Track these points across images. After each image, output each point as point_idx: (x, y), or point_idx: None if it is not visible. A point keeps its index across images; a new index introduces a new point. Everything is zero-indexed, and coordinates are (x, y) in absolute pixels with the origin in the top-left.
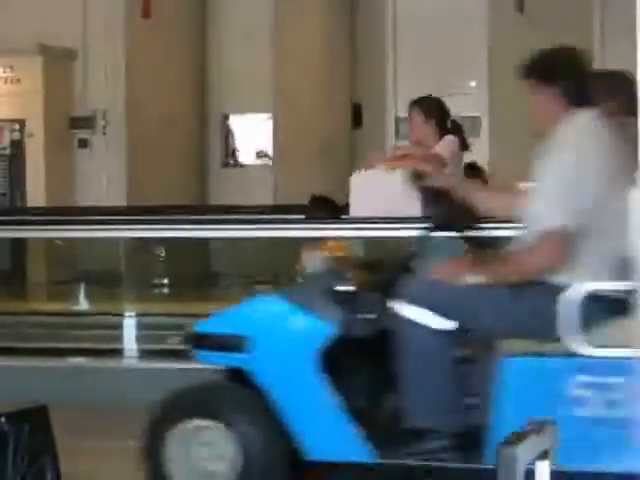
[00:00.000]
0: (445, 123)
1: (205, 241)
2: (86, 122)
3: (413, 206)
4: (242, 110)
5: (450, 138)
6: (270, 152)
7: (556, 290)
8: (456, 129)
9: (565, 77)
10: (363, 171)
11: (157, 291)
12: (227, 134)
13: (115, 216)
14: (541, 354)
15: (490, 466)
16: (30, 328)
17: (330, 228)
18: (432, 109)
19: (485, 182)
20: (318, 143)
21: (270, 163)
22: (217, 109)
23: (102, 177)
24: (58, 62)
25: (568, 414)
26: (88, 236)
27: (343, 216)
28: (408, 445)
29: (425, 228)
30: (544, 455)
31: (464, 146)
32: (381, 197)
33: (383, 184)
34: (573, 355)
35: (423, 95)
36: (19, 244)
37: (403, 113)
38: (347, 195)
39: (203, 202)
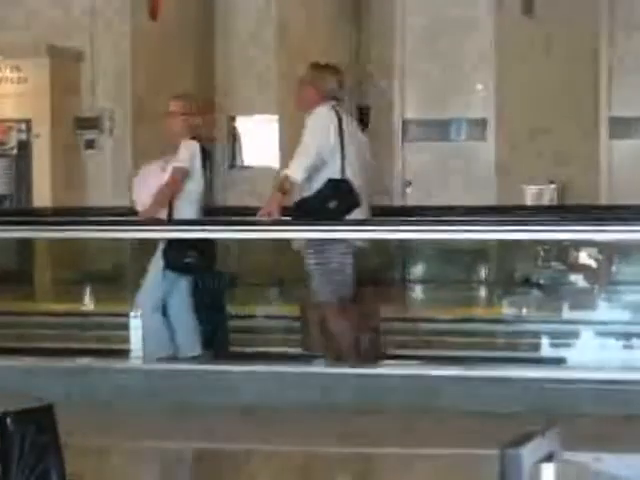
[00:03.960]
0: None
1: None
2: (93, 123)
3: None
4: (249, 112)
5: None
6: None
7: None
8: None
9: None
10: None
11: None
12: (234, 135)
13: (121, 217)
14: None
15: None
16: None
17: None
18: None
19: None
20: None
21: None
22: (224, 111)
23: (109, 178)
24: (65, 63)
25: None
26: (95, 237)
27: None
28: None
29: None
30: (549, 457)
31: None
32: None
33: None
34: None
35: None
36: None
37: (410, 115)
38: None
39: (210, 204)
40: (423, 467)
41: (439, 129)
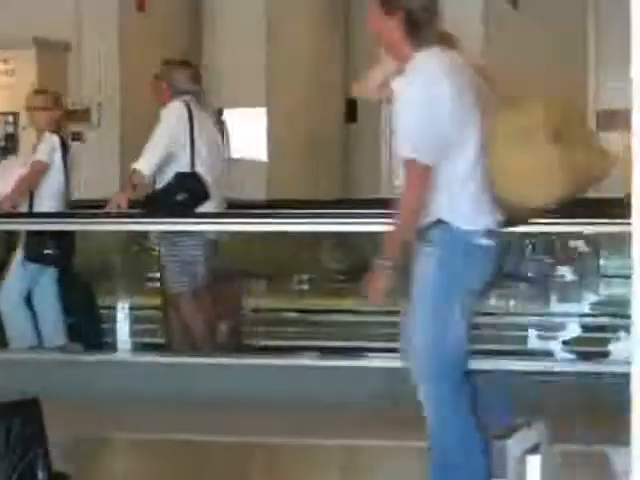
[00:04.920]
0: None
1: None
2: (80, 115)
3: None
4: (236, 105)
5: None
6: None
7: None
8: None
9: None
10: None
11: None
12: (221, 128)
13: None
14: None
15: None
16: None
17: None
18: None
19: None
20: (312, 138)
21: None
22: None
23: (96, 170)
24: (52, 54)
25: None
26: (84, 229)
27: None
28: None
29: None
30: (535, 448)
31: None
32: None
33: None
34: None
35: None
36: None
37: None
38: (339, 189)
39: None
40: (411, 461)
41: None
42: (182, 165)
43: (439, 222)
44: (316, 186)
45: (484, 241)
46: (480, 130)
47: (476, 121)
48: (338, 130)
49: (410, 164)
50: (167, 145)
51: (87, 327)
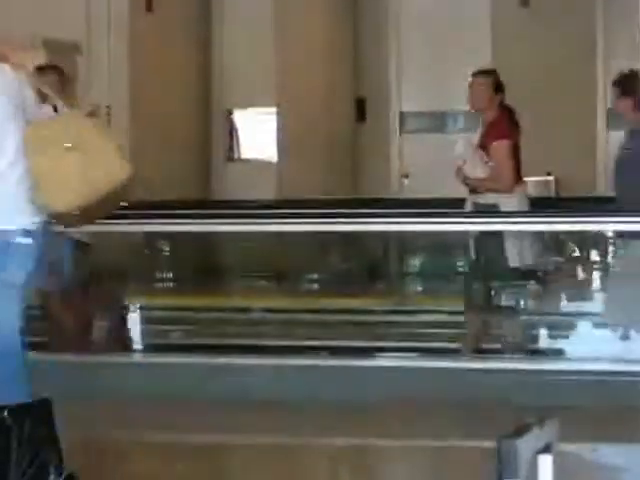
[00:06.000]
0: None
1: None
2: (90, 116)
3: None
4: (246, 105)
5: None
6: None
7: None
8: None
9: None
10: None
11: None
12: (231, 129)
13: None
14: None
15: None
16: None
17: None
18: None
19: None
20: (322, 137)
21: (274, 158)
22: (221, 104)
23: None
24: (62, 56)
25: None
26: (93, 231)
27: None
28: None
29: None
30: (546, 448)
31: None
32: None
33: None
34: None
35: None
36: None
37: (407, 107)
38: (349, 189)
39: (207, 197)
40: (421, 460)
41: (436, 121)
42: None
43: None
44: (326, 185)
45: (22, 240)
46: (19, 137)
47: (17, 126)
48: (348, 129)
49: None
50: None
51: None
